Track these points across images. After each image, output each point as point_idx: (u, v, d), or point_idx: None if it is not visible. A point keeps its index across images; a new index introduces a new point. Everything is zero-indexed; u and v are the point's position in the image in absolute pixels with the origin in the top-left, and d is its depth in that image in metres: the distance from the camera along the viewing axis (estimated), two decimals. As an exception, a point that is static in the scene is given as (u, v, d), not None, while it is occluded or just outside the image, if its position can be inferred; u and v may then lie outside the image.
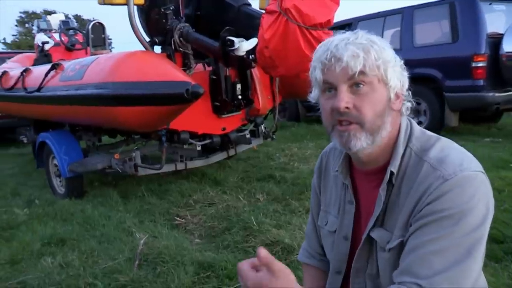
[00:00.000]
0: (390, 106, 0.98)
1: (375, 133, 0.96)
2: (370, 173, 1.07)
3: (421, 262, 0.89)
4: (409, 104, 1.04)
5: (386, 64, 0.95)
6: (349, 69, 0.93)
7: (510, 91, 5.46)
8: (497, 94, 5.35)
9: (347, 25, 7.18)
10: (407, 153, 1.00)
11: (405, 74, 1.02)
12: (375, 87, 0.95)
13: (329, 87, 0.98)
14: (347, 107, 0.94)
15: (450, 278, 0.86)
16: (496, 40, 5.39)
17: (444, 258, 0.87)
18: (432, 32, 5.97)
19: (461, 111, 5.86)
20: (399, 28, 6.22)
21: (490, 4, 5.68)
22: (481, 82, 5.34)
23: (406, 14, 6.13)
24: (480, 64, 5.32)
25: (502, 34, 5.41)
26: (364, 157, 1.03)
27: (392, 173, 0.99)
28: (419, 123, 6.03)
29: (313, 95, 1.05)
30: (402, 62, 1.01)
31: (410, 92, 1.04)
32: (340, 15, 7.19)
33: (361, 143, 0.96)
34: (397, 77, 0.98)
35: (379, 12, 6.63)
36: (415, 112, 6.09)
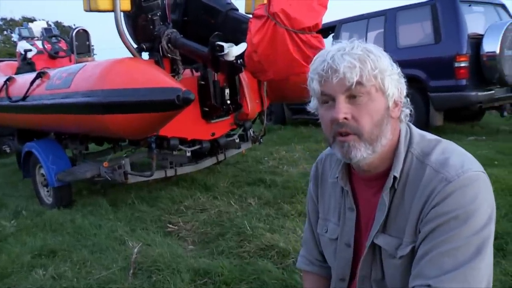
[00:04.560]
0: (389, 114, 0.98)
1: (374, 143, 0.97)
2: (370, 180, 1.07)
3: (431, 264, 0.90)
4: (407, 111, 1.04)
5: (383, 73, 0.95)
6: (346, 80, 0.93)
7: (491, 90, 5.58)
8: (479, 93, 5.46)
9: (331, 28, 7.24)
10: (408, 158, 1.01)
11: (403, 81, 1.02)
12: (373, 97, 0.95)
13: (327, 99, 0.98)
14: (345, 118, 0.95)
15: (460, 277, 0.87)
16: (476, 41, 5.51)
17: (454, 258, 0.88)
18: (415, 33, 6.06)
19: (445, 111, 5.95)
20: (382, 30, 6.30)
21: (469, 5, 5.81)
22: (464, 82, 5.45)
23: (389, 16, 6.21)
24: (463, 64, 5.43)
25: (482, 35, 5.53)
26: (365, 166, 1.03)
27: (395, 178, 1.00)
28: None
29: (312, 105, 1.05)
30: (399, 69, 1.01)
31: (408, 98, 1.05)
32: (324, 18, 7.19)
33: (361, 153, 0.97)
34: (395, 85, 0.98)
35: (362, 14, 6.70)
36: (401, 112, 6.15)
